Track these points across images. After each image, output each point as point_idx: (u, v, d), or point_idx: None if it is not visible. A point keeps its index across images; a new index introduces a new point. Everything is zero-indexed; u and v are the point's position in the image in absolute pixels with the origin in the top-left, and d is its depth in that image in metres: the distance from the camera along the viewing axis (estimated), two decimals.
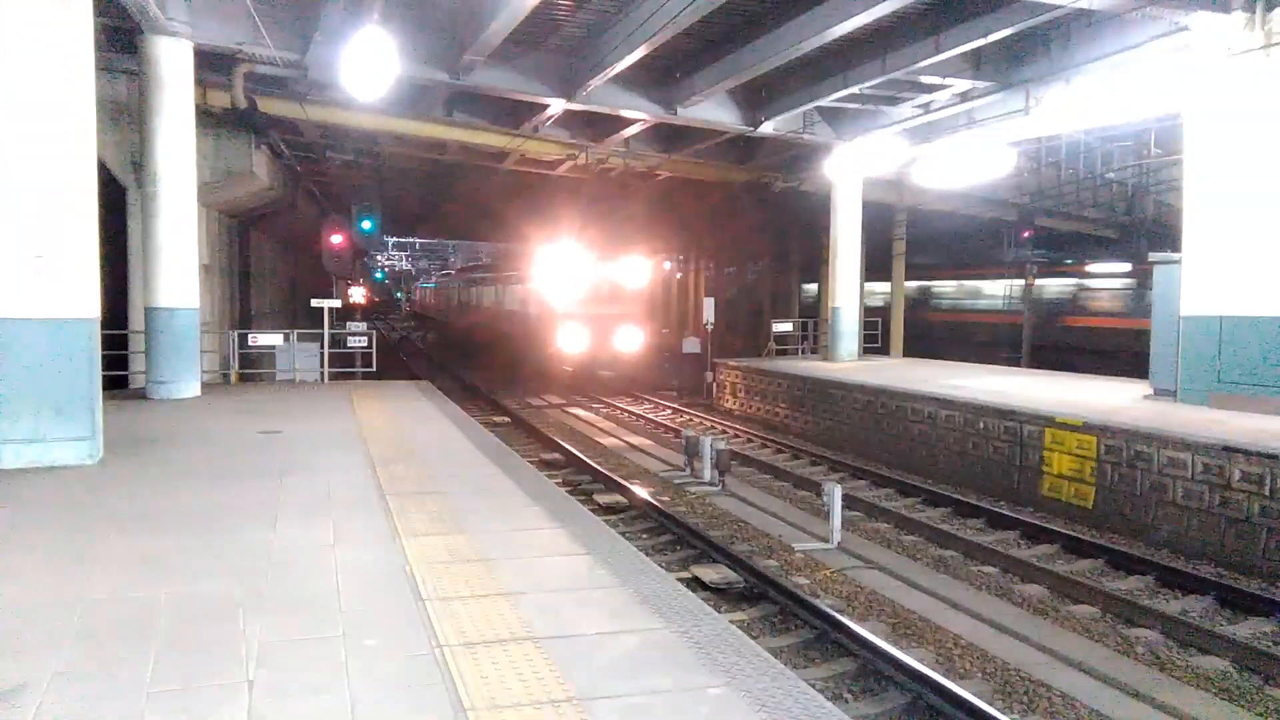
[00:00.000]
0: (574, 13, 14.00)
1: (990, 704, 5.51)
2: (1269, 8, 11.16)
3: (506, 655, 3.97)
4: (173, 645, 4.04)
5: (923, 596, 8.09)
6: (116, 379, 14.06)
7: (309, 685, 3.68)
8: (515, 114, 18.93)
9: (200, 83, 13.97)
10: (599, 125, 20.12)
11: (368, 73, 11.68)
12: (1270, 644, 7.05)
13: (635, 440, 16.64)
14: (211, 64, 14.41)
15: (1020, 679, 6.29)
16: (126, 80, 14.39)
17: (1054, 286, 26.72)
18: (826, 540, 9.69)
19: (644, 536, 9.89)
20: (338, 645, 4.07)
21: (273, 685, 3.65)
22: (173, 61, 12.93)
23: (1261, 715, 5.95)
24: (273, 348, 16.57)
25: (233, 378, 16.34)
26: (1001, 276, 27.95)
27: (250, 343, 16.32)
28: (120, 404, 12.23)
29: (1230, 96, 11.61)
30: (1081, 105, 15.01)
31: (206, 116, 15.16)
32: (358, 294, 34.56)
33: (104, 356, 8.93)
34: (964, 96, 16.50)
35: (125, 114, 14.46)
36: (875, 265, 26.59)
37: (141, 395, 13.24)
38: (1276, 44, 11.02)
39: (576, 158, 21.97)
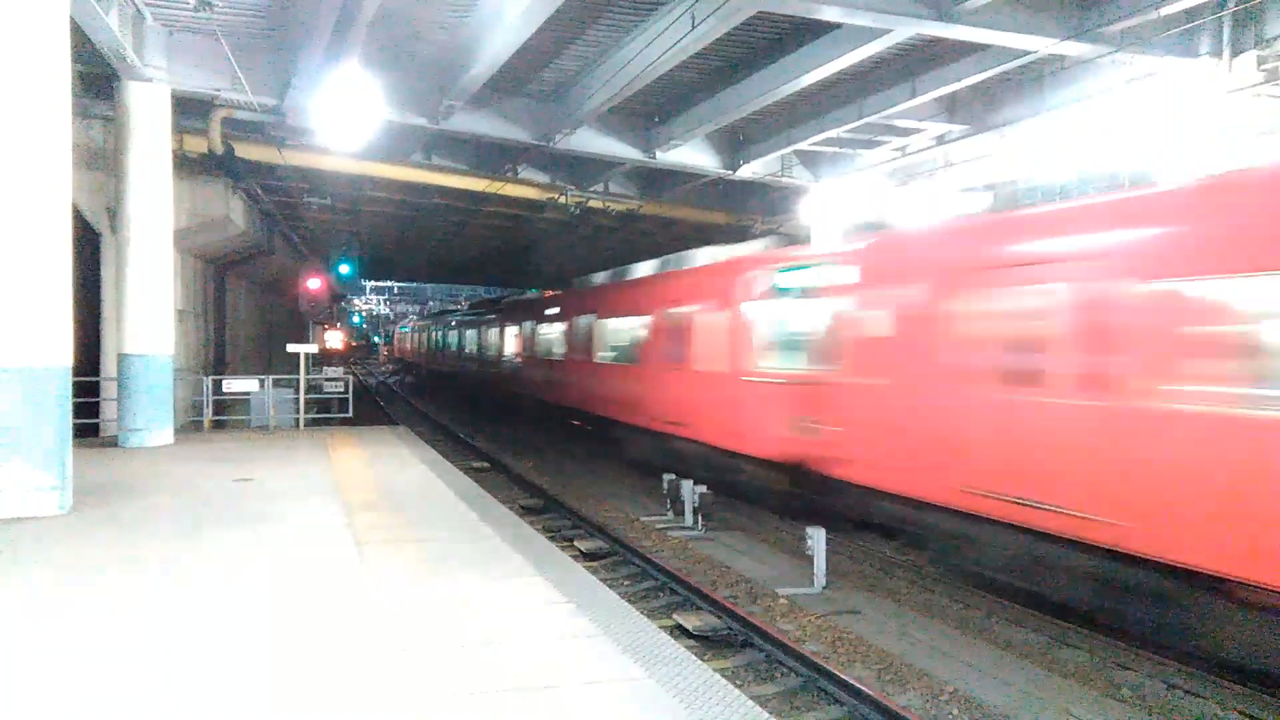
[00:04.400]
0: (554, 58, 14.08)
1: None
2: (1235, 53, 11.39)
3: None
4: None
5: None
6: (87, 426, 13.78)
7: None
8: (495, 157, 18.97)
9: (177, 128, 13.90)
10: (578, 168, 20.19)
11: (346, 118, 11.67)
12: None
13: None
14: (188, 109, 14.34)
15: None
16: (102, 126, 14.28)
17: None
18: None
19: None
20: None
21: None
22: (149, 107, 12.87)
23: None
24: (248, 394, 16.30)
25: (206, 424, 16.05)
26: None
27: (225, 389, 16.06)
28: (92, 452, 11.98)
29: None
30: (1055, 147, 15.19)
31: (183, 162, 15.06)
32: (334, 339, 34.11)
33: (75, 404, 8.73)
34: (940, 139, 16.70)
35: (100, 160, 14.30)
36: None
37: (114, 443, 12.97)
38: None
39: (556, 201, 21.96)
